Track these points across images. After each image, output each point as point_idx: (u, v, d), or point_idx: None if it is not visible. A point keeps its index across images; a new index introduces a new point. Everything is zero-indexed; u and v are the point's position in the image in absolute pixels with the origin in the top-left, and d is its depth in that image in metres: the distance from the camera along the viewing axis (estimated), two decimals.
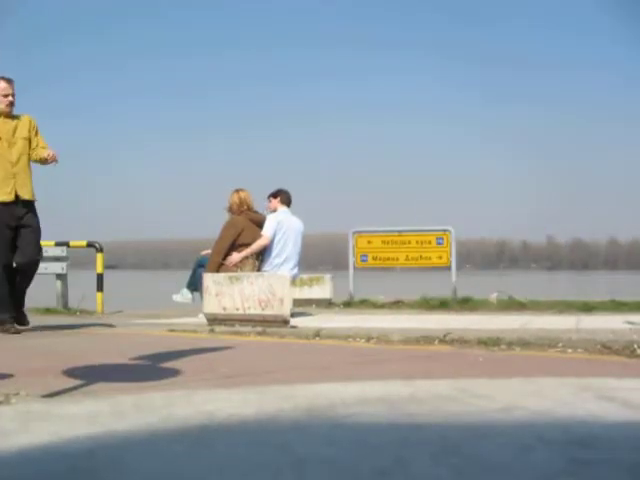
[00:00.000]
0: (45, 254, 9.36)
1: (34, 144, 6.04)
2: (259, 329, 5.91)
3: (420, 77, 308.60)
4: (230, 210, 7.89)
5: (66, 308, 9.15)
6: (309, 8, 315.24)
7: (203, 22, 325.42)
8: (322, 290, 9.79)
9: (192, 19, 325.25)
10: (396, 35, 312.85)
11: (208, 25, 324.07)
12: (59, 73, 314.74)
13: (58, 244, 9.43)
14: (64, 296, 9.35)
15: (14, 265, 5.95)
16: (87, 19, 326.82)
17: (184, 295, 8.19)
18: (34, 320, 7.68)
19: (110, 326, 6.79)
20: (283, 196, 8.08)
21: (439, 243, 9.81)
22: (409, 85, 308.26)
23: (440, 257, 9.81)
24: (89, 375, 3.50)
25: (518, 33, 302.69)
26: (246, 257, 7.60)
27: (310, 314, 7.98)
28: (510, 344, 4.65)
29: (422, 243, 9.88)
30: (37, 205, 6.39)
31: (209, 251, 8.16)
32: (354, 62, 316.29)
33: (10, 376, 3.50)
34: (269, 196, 8.19)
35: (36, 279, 6.50)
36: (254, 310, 6.34)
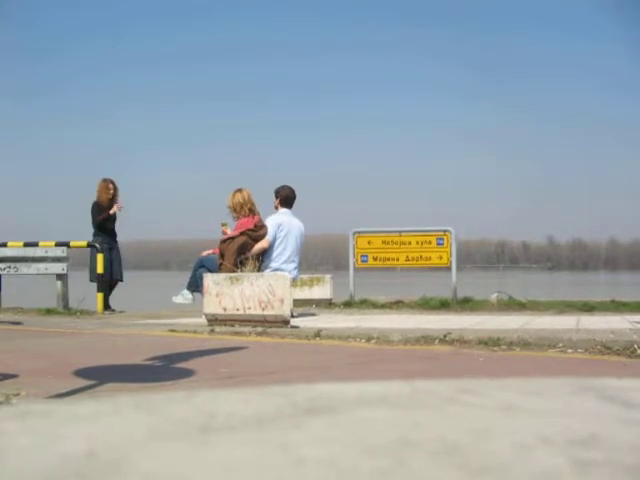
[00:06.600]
0: (45, 254, 9.40)
1: None
2: (259, 329, 5.91)
3: (421, 80, 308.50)
4: (234, 210, 7.87)
5: (66, 309, 9.14)
6: (303, 14, 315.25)
7: (218, 29, 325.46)
8: (322, 290, 9.79)
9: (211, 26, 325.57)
10: (397, 40, 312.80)
11: (220, 31, 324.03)
12: (63, 80, 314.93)
13: (58, 244, 9.43)
14: (64, 296, 9.34)
15: None
16: (95, 26, 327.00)
17: (184, 296, 8.17)
18: (35, 321, 7.68)
19: (110, 327, 6.79)
20: (282, 198, 8.01)
21: (439, 243, 9.80)
22: (409, 87, 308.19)
23: (440, 257, 9.80)
24: (90, 375, 3.50)
25: (519, 40, 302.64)
26: (247, 258, 7.60)
27: (310, 314, 7.98)
28: (510, 344, 4.65)
29: (422, 243, 9.86)
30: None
31: (210, 251, 8.16)
32: (353, 66, 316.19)
33: (11, 376, 3.50)
34: (275, 193, 8.09)
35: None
36: (254, 310, 6.33)
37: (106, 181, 9.66)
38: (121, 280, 9.63)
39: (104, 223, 9.47)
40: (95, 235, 9.49)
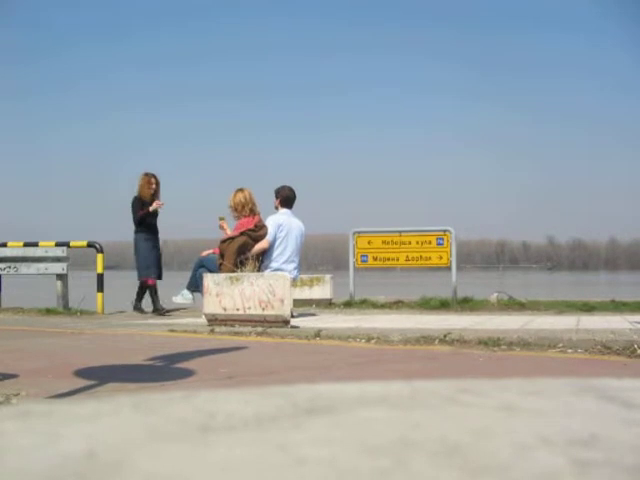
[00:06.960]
0: (45, 254, 9.40)
1: None
2: (259, 329, 5.91)
3: (421, 80, 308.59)
4: (235, 210, 7.87)
5: (66, 308, 9.14)
6: (304, 14, 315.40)
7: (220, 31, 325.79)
8: (322, 290, 9.79)
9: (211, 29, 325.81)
10: (397, 40, 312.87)
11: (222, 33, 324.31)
12: (64, 82, 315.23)
13: (58, 244, 9.43)
14: (64, 296, 9.34)
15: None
16: (97, 26, 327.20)
17: (184, 296, 8.17)
18: (34, 321, 7.68)
19: (110, 327, 6.79)
20: (283, 198, 8.01)
21: (439, 243, 9.80)
22: (409, 87, 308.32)
23: (440, 257, 9.80)
24: (89, 375, 3.50)
25: (519, 40, 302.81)
26: (247, 258, 7.60)
27: (310, 314, 7.98)
28: (510, 344, 4.65)
29: (422, 243, 9.86)
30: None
31: (210, 251, 8.16)
32: (353, 66, 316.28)
33: (11, 376, 3.50)
34: (275, 193, 8.08)
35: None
36: (254, 310, 6.34)
37: (148, 175, 9.08)
38: (160, 279, 9.13)
39: (145, 219, 8.93)
40: (136, 232, 9.05)
